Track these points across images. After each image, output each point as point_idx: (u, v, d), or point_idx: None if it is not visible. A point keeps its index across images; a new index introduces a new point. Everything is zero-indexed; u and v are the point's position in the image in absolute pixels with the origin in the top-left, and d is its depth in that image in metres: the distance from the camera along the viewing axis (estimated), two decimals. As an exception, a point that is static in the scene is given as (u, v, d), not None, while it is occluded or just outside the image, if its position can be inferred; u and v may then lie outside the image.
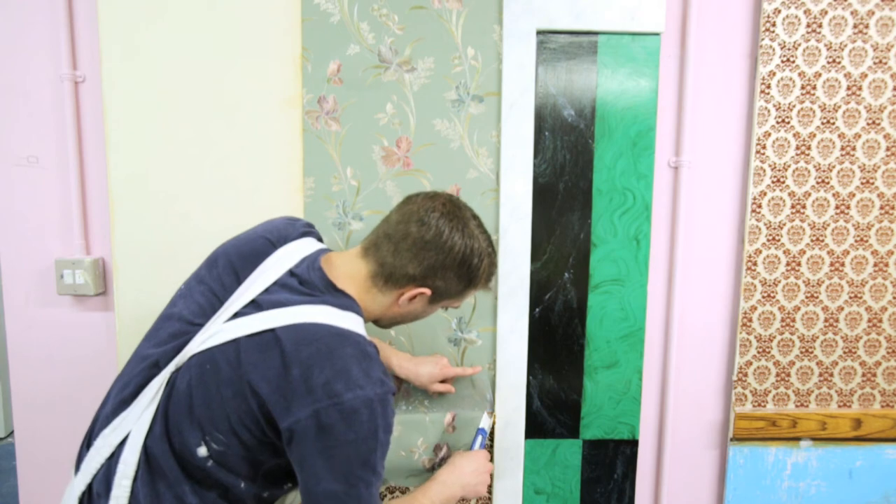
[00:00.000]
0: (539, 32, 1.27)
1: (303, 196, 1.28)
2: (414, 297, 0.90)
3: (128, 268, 1.27)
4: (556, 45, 1.28)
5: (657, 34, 1.27)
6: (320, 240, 1.01)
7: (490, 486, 1.37)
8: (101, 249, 1.32)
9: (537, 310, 1.34)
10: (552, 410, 1.37)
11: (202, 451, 0.82)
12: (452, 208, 0.90)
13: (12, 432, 2.90)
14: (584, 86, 1.28)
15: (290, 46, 1.25)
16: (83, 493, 0.85)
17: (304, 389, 0.77)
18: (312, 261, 0.89)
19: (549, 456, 1.38)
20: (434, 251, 0.87)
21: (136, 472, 0.82)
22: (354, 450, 0.78)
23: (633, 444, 1.38)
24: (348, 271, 0.90)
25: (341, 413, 0.77)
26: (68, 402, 1.34)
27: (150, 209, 1.26)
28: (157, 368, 0.86)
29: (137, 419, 0.83)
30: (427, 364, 1.25)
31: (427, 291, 0.89)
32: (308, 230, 0.98)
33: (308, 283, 0.86)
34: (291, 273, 0.87)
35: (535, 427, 1.37)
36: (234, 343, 0.82)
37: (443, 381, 1.27)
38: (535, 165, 1.30)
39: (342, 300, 0.87)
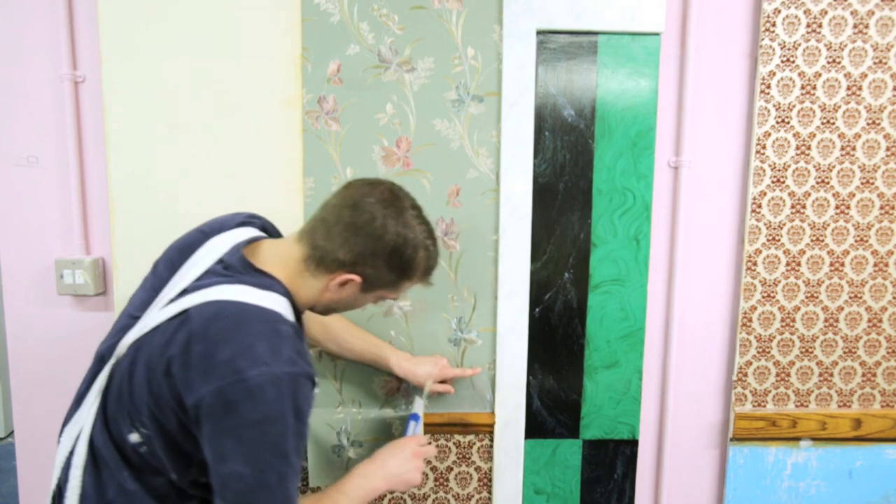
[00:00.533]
0: (539, 32, 1.27)
1: (303, 196, 1.28)
2: (344, 283, 0.88)
3: (128, 268, 1.27)
4: (556, 45, 1.28)
5: (657, 34, 1.27)
6: (266, 229, 0.99)
7: (490, 487, 1.37)
8: (101, 249, 1.32)
9: (537, 310, 1.34)
10: (552, 410, 1.37)
11: (134, 437, 0.83)
12: (390, 196, 0.88)
13: (12, 432, 2.90)
14: (584, 86, 1.28)
15: (290, 46, 1.25)
16: (55, 487, 0.88)
17: (207, 365, 0.77)
18: (238, 246, 0.89)
19: (549, 456, 1.38)
20: (364, 237, 0.85)
21: (85, 463, 0.85)
22: (262, 432, 0.76)
23: (633, 444, 1.39)
24: (280, 254, 0.90)
25: (246, 390, 0.75)
26: (68, 402, 1.33)
27: (150, 209, 1.26)
28: (102, 362, 0.88)
29: (87, 412, 0.86)
30: (426, 364, 1.25)
31: (356, 278, 0.88)
32: (249, 220, 0.98)
33: (230, 266, 0.86)
34: (220, 260, 0.87)
35: (535, 427, 1.37)
36: (157, 328, 0.83)
37: (442, 382, 1.27)
38: (535, 165, 1.30)
39: (262, 280, 0.85)
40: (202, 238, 0.92)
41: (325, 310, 0.96)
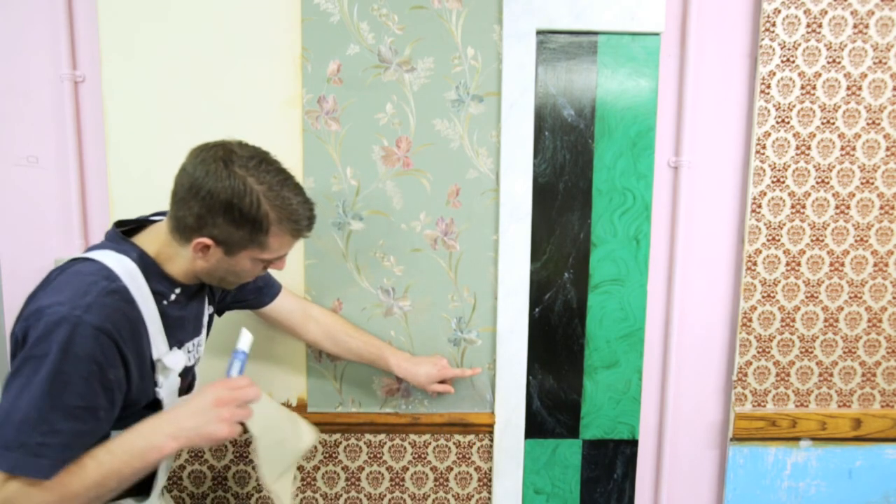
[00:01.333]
0: (539, 32, 1.27)
1: (303, 196, 1.28)
2: (201, 248, 0.86)
3: (128, 268, 1.27)
4: (556, 45, 1.28)
5: (657, 34, 1.27)
6: None
7: (490, 487, 1.37)
8: (101, 249, 1.32)
9: (537, 310, 1.34)
10: (552, 410, 1.37)
11: None
12: (223, 153, 0.84)
13: (12, 432, 2.89)
14: (584, 86, 1.28)
15: (290, 46, 1.25)
16: None
17: (29, 306, 0.80)
18: (118, 223, 0.93)
19: (549, 456, 1.38)
20: (198, 197, 0.83)
21: None
22: (31, 368, 0.74)
23: (633, 443, 1.39)
24: (155, 230, 0.91)
25: (35, 326, 0.75)
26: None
27: (150, 209, 1.25)
28: None
29: None
30: (425, 364, 1.25)
31: (208, 241, 0.85)
32: (166, 212, 0.98)
33: (106, 237, 0.90)
34: None
35: (535, 427, 1.37)
36: None
37: (442, 382, 1.27)
38: (534, 165, 1.30)
39: (123, 246, 0.86)
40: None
41: (211, 278, 0.93)
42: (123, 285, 0.82)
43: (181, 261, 0.89)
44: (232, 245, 0.86)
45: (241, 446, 1.35)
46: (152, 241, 0.89)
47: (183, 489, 1.36)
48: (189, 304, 0.95)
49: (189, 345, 0.97)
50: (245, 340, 0.93)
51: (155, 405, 0.90)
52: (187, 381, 0.98)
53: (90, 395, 0.77)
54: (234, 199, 0.83)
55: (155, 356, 0.87)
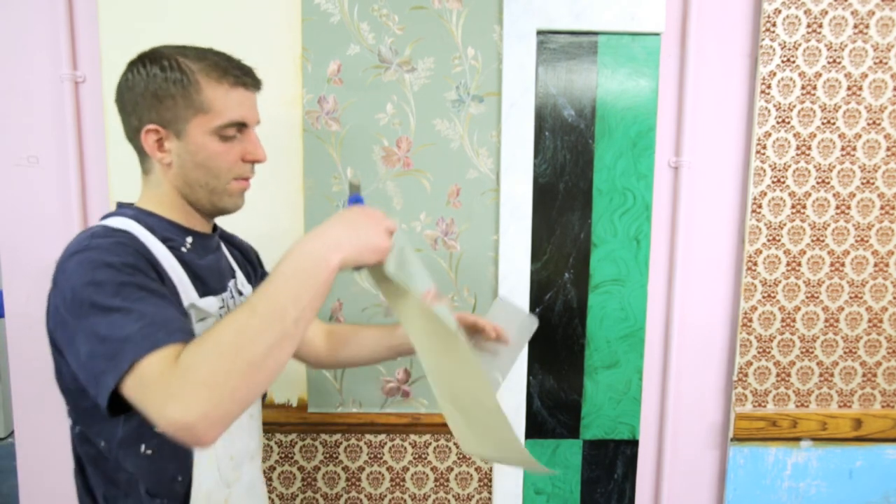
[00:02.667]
0: (539, 32, 1.27)
1: (303, 196, 1.28)
2: (156, 142, 0.81)
3: (128, 268, 1.27)
4: (556, 45, 1.28)
5: (657, 34, 1.27)
6: None
7: (490, 487, 1.37)
8: (101, 249, 1.32)
9: (537, 310, 1.34)
10: (552, 410, 1.37)
11: (69, 421, 0.80)
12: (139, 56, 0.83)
13: (12, 432, 2.90)
14: (584, 86, 1.28)
15: (290, 46, 1.25)
16: None
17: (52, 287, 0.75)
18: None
19: (549, 456, 1.38)
20: (126, 95, 0.82)
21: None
22: (87, 307, 0.67)
23: (634, 444, 1.38)
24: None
25: (59, 287, 0.71)
26: (68, 402, 1.33)
27: (150, 209, 1.26)
28: None
29: None
30: None
31: (153, 126, 0.80)
32: None
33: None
34: None
35: (536, 427, 1.37)
36: None
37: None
38: (535, 165, 1.30)
39: (118, 210, 0.85)
40: None
41: (198, 193, 0.85)
42: (126, 230, 0.78)
43: (159, 189, 0.84)
44: (176, 120, 0.80)
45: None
46: (142, 199, 0.86)
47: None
48: (207, 256, 0.88)
49: (219, 298, 0.88)
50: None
51: None
52: None
53: (149, 280, 0.71)
54: (155, 71, 0.80)
55: (186, 303, 0.79)
